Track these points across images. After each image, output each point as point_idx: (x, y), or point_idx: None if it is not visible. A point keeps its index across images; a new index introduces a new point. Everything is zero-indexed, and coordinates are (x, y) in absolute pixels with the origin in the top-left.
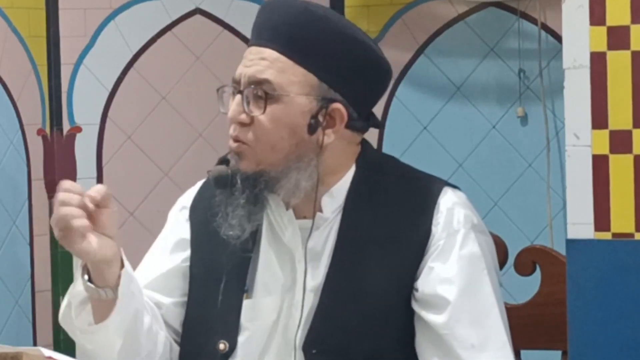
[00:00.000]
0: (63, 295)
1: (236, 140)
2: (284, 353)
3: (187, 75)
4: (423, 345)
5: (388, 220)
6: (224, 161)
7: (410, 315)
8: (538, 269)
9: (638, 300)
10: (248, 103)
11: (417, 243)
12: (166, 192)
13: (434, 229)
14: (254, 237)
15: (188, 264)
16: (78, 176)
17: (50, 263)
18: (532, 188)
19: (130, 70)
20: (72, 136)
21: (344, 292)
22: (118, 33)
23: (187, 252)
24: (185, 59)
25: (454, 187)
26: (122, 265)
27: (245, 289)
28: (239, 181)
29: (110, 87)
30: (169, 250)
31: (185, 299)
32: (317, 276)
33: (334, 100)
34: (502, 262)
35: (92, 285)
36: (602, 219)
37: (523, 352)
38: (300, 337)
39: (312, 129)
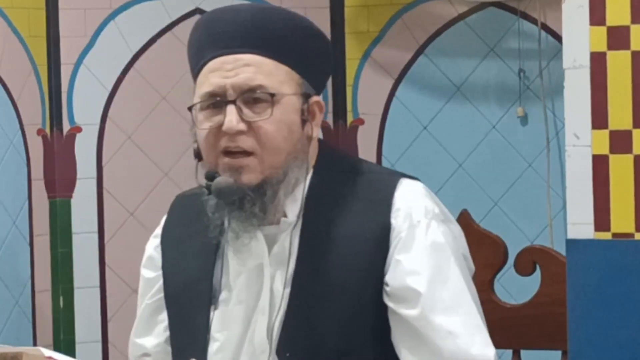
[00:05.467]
0: (63, 296)
1: (236, 151)
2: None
3: (187, 75)
4: (400, 339)
5: (348, 219)
6: (211, 176)
7: (381, 311)
8: (538, 269)
9: (638, 300)
10: (242, 111)
11: (379, 238)
12: (166, 192)
13: (393, 221)
14: (221, 249)
15: (161, 295)
16: (78, 176)
17: (50, 263)
18: (532, 188)
19: (130, 70)
20: (72, 136)
21: (311, 293)
22: (118, 33)
23: (160, 283)
24: (185, 59)
25: (413, 178)
26: None
27: (213, 301)
28: (250, 193)
29: (110, 87)
30: (144, 290)
31: (168, 330)
32: (285, 281)
33: (311, 94)
34: (502, 262)
35: None
36: (602, 219)
37: (523, 352)
38: (273, 341)
39: (303, 125)
